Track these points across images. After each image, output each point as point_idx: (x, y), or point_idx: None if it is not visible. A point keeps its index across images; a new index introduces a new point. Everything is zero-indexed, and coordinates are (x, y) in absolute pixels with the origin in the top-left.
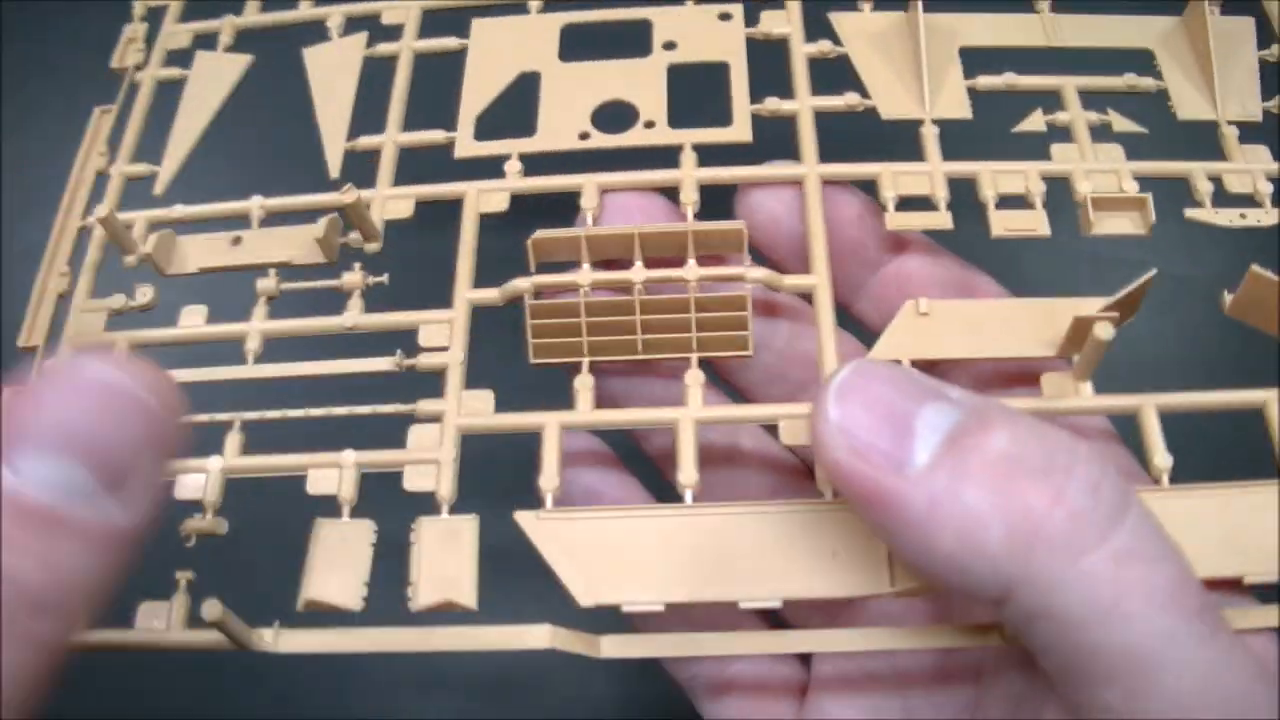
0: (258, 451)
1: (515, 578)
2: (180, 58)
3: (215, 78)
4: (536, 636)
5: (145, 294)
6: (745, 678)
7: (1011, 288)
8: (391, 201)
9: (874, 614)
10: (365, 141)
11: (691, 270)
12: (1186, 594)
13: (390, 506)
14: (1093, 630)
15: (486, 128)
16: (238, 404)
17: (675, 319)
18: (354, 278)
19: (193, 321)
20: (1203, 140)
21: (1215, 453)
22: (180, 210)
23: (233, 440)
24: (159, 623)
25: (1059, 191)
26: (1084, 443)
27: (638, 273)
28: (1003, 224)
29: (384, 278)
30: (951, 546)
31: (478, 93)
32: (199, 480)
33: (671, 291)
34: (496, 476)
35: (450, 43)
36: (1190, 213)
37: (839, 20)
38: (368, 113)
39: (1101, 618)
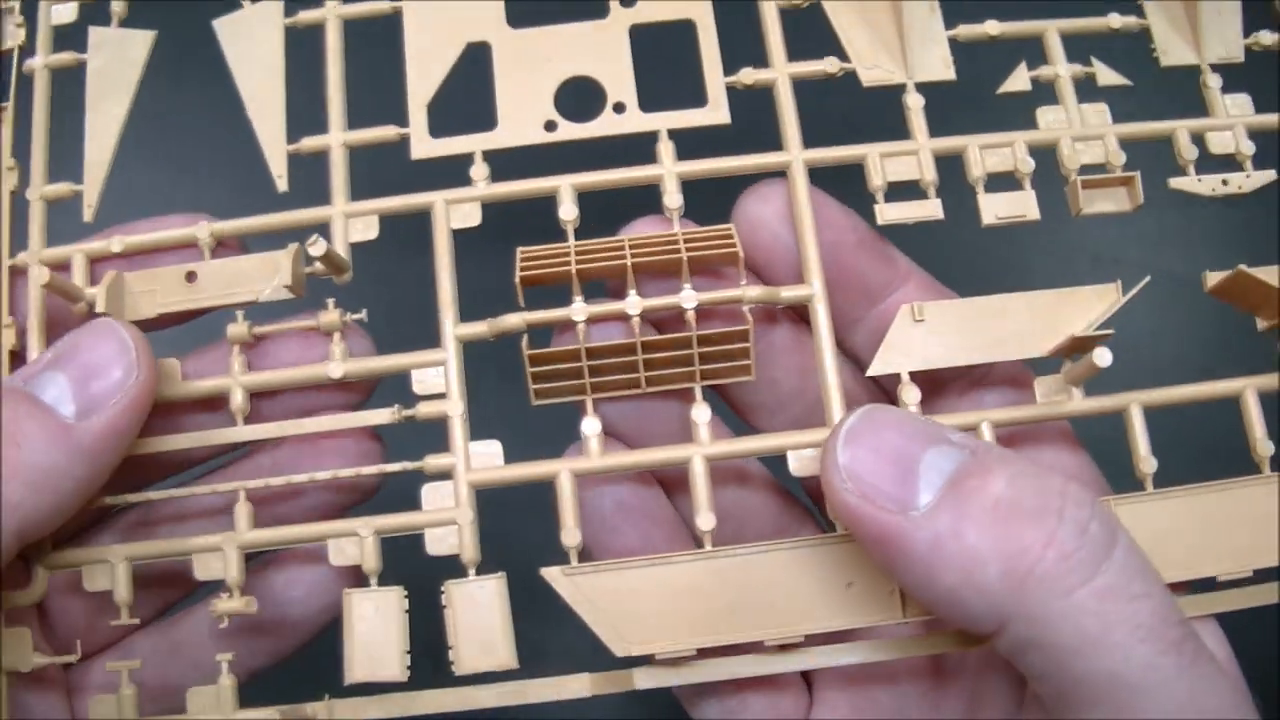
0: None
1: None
2: (71, 38)
3: (118, 59)
4: (578, 685)
5: None
6: (757, 697)
7: (1011, 287)
8: (354, 221)
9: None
10: (310, 144)
11: (689, 297)
12: (1168, 626)
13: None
14: (1081, 659)
15: (440, 116)
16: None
17: (677, 354)
18: (331, 317)
19: (169, 373)
20: (1186, 89)
21: (1199, 450)
22: (120, 241)
23: (242, 512)
24: (211, 707)
25: (1047, 167)
26: (1074, 484)
27: (633, 304)
28: (993, 211)
29: (362, 314)
30: (952, 582)
31: (423, 73)
32: (216, 559)
33: (670, 318)
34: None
35: (382, 5)
36: (1175, 182)
37: None
38: (300, 95)
39: (1089, 648)
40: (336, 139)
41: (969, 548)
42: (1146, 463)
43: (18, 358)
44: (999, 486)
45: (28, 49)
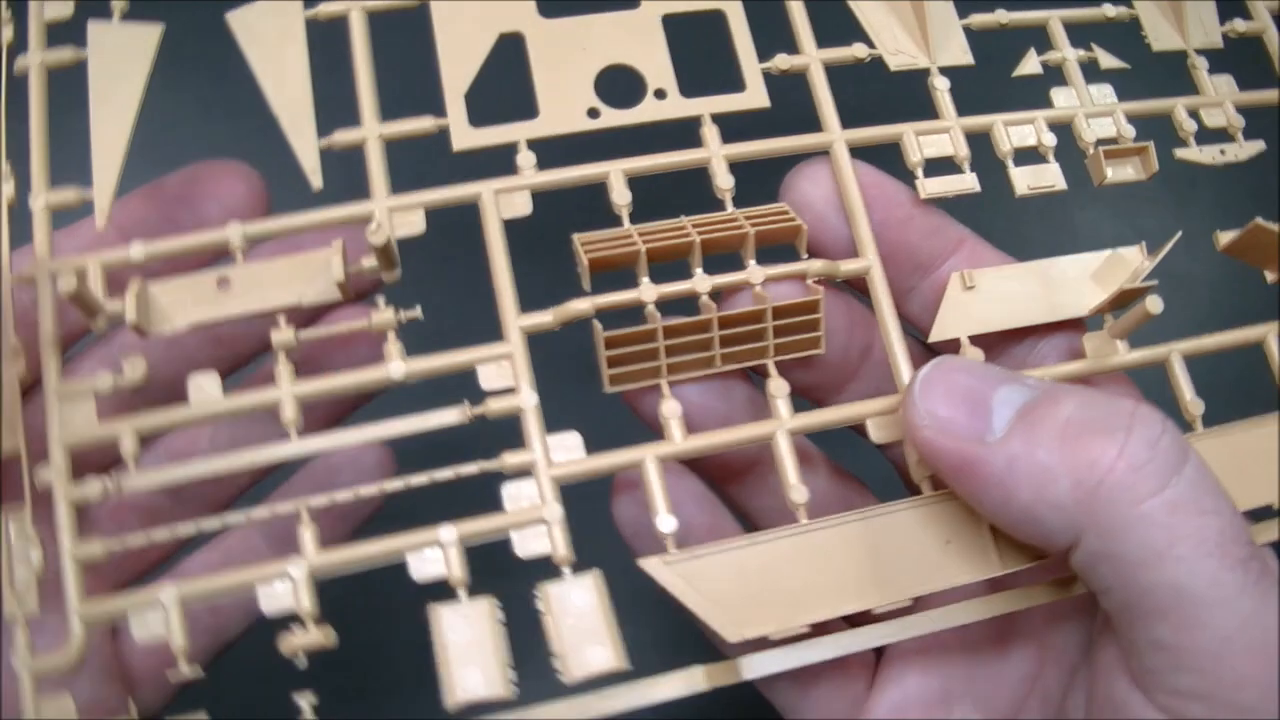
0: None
1: None
2: (67, 32)
3: (123, 58)
4: (693, 680)
5: (135, 367)
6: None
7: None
8: (398, 214)
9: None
10: (342, 138)
11: (756, 273)
12: (1235, 544)
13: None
14: (1147, 571)
15: (478, 107)
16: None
17: (751, 329)
18: (384, 316)
19: (207, 393)
20: (1174, 72)
21: (1222, 401)
22: (141, 249)
23: (307, 534)
24: None
25: (1064, 146)
26: (1145, 405)
27: (701, 282)
28: (1024, 182)
29: (417, 311)
30: (1027, 500)
31: (457, 65)
32: (285, 590)
33: (737, 297)
34: None
35: (405, 1)
36: (1180, 153)
37: None
38: (329, 92)
39: (1155, 560)
40: (372, 131)
41: (1041, 465)
42: (1194, 405)
43: (36, 388)
44: (1068, 409)
45: (17, 46)
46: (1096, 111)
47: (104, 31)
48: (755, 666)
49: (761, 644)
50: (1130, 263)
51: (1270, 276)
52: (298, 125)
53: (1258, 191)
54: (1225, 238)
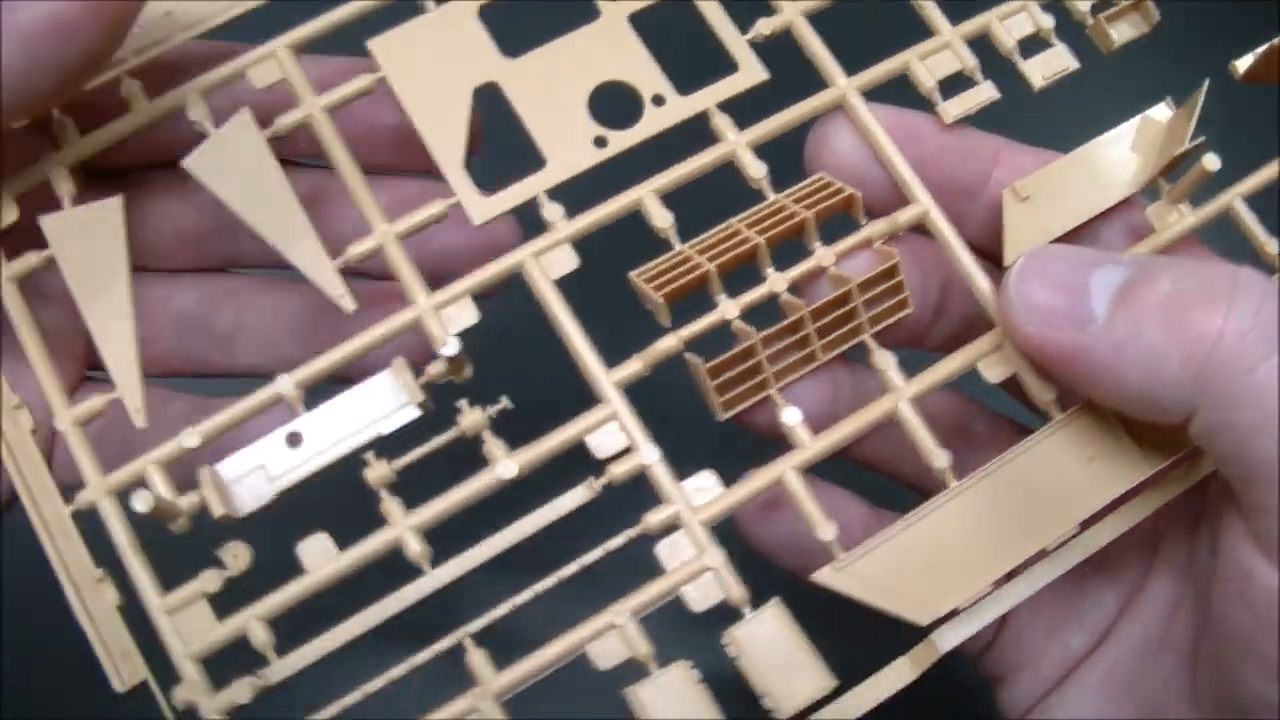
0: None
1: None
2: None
3: (92, 245)
4: (900, 673)
5: (238, 555)
6: None
7: None
8: (447, 310)
9: None
10: (357, 249)
11: (826, 255)
12: None
13: None
14: (1264, 437)
15: (489, 164)
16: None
17: (841, 313)
18: (474, 418)
19: (323, 554)
20: None
21: None
22: (195, 436)
23: (478, 659)
24: None
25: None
26: (1244, 269)
27: (778, 281)
28: (1038, 74)
29: (506, 403)
30: (1139, 381)
31: (443, 135)
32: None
33: (814, 283)
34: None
35: (362, 82)
36: None
37: None
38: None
39: (1271, 424)
40: (385, 234)
41: (1148, 345)
42: (1270, 246)
43: None
44: (1166, 285)
45: None
46: None
47: (61, 224)
48: (950, 637)
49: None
50: (1162, 121)
51: None
52: (301, 249)
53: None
54: (1243, 64)
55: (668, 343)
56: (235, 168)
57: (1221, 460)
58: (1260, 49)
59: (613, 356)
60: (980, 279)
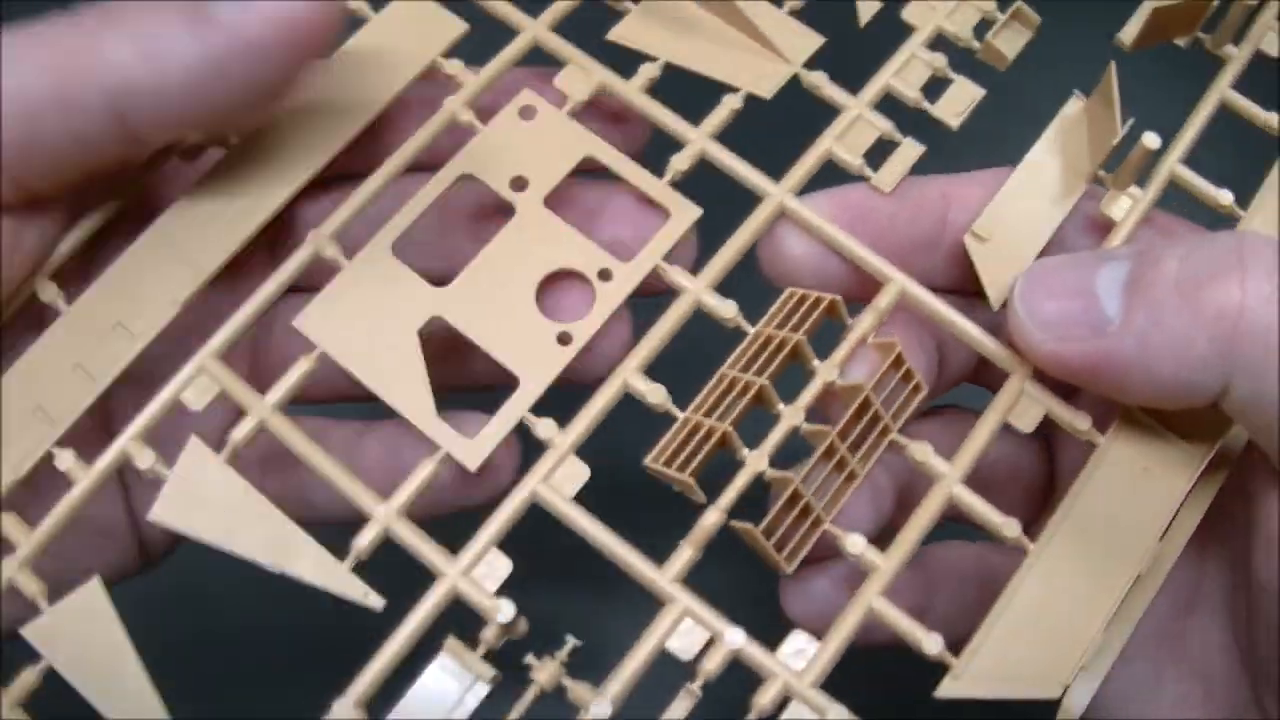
0: None
1: None
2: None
3: (85, 638)
4: None
5: None
6: None
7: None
8: (477, 570)
9: None
10: (363, 541)
11: (828, 370)
12: None
13: None
14: None
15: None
16: None
17: (865, 423)
18: (550, 670)
19: None
20: None
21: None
22: None
23: None
24: None
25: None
26: (1249, 235)
27: (794, 414)
28: (952, 112)
29: (572, 641)
30: (1171, 370)
31: (405, 394)
32: None
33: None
34: None
35: (305, 365)
36: None
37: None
38: None
39: None
40: (387, 516)
41: (1171, 332)
42: (1223, 196)
43: None
44: (1173, 267)
45: None
46: (952, 10)
47: (54, 620)
48: (1080, 695)
49: None
50: (1077, 115)
51: (1181, 41)
52: (305, 561)
53: None
54: (1130, 32)
55: (711, 518)
56: (204, 501)
57: (1255, 430)
58: (1138, 18)
59: (652, 538)
60: (973, 331)
